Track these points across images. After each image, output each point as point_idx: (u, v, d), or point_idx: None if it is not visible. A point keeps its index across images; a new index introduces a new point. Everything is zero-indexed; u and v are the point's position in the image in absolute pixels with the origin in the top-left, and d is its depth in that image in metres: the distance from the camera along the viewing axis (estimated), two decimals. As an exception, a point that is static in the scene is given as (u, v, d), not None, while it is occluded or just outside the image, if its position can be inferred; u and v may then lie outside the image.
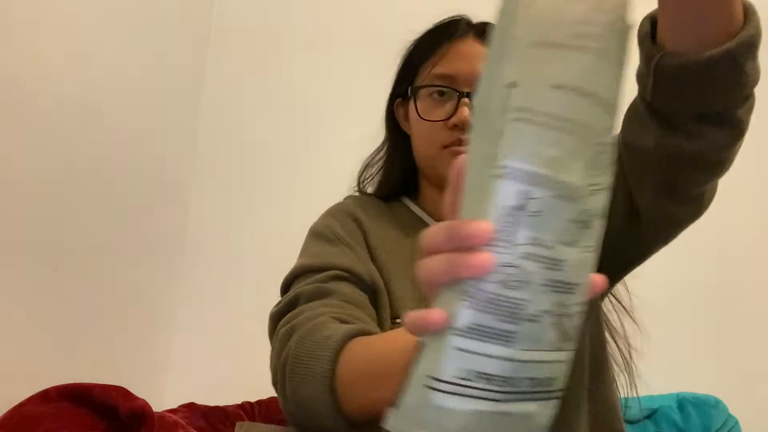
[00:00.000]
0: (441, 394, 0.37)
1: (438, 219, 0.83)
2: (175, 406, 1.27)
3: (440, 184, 0.84)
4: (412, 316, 0.38)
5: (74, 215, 1.20)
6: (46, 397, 0.94)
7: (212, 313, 1.57)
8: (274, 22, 1.74)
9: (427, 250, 0.38)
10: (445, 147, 0.80)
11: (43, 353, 1.12)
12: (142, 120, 1.44)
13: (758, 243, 1.50)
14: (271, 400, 1.37)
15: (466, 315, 0.36)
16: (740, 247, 1.50)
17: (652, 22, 0.58)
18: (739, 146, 0.62)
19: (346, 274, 0.75)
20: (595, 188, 0.38)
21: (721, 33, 0.53)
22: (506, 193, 0.36)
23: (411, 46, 0.88)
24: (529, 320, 0.37)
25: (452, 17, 0.87)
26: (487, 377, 0.36)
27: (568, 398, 0.71)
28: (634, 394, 0.82)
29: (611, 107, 0.39)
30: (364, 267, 0.77)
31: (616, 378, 0.83)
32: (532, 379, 0.38)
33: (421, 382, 0.37)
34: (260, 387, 1.39)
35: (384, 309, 0.76)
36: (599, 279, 0.40)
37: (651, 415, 1.30)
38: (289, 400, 0.62)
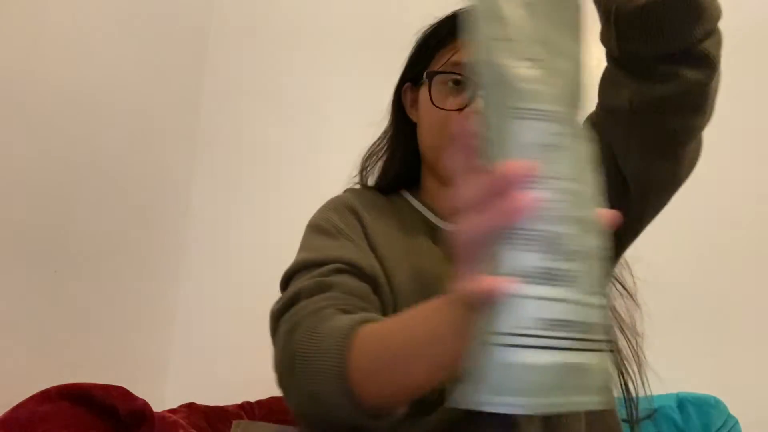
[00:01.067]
0: (521, 350, 0.34)
1: (437, 213, 0.82)
2: (175, 406, 1.27)
3: (444, 177, 0.81)
4: (473, 285, 0.36)
5: (74, 215, 1.20)
6: (46, 397, 0.94)
7: (212, 313, 1.57)
8: (274, 21, 1.74)
9: (466, 208, 0.38)
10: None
11: (43, 353, 1.12)
12: (142, 119, 1.44)
13: (758, 242, 1.50)
14: (271, 400, 1.37)
15: (523, 259, 0.35)
16: (740, 246, 1.50)
17: None
18: (716, 86, 0.62)
19: (347, 267, 0.72)
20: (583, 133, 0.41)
21: None
22: (530, 131, 0.37)
23: (428, 30, 0.84)
24: (581, 258, 0.36)
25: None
26: (560, 324, 0.35)
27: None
28: (644, 387, 0.80)
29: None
30: (365, 259, 0.75)
31: (627, 372, 0.81)
32: (586, 324, 0.36)
33: (497, 341, 0.35)
34: (260, 387, 1.39)
35: (386, 302, 0.74)
36: (608, 213, 0.40)
37: (651, 415, 1.29)
38: (300, 398, 0.60)
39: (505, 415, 0.70)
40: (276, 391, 1.51)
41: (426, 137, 0.82)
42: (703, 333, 1.46)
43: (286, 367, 0.62)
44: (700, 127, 0.67)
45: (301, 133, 1.67)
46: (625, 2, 0.56)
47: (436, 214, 0.83)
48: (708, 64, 0.58)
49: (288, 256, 0.82)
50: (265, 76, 1.70)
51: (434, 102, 0.78)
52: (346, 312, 0.64)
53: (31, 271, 1.09)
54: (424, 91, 0.80)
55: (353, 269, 0.73)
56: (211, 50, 1.73)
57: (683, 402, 1.30)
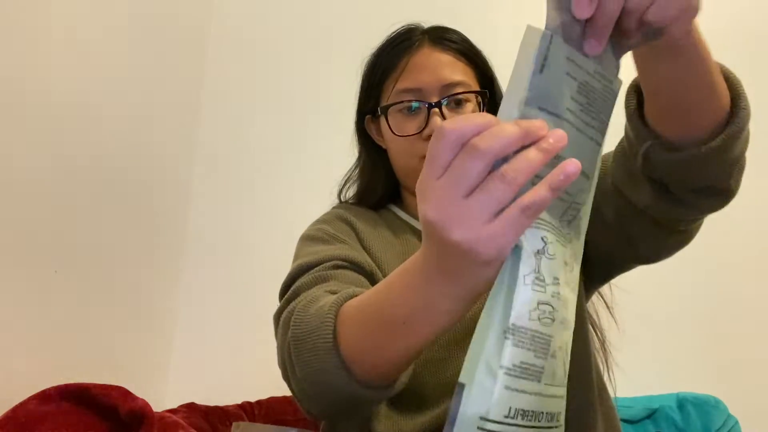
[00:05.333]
0: None
1: None
2: (175, 406, 1.27)
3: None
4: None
5: (74, 215, 1.20)
6: (46, 397, 0.94)
7: (212, 313, 1.57)
8: (274, 22, 1.74)
9: (500, 151, 0.37)
10: (423, 157, 0.81)
11: (43, 353, 1.12)
12: (143, 120, 1.44)
13: (757, 243, 1.50)
14: (271, 400, 1.37)
15: (514, 353, 0.39)
16: (740, 247, 1.50)
17: (637, 93, 0.58)
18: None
19: (344, 263, 0.74)
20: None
21: (707, 123, 0.54)
22: (533, 239, 0.40)
23: (369, 62, 0.89)
24: (552, 356, 0.40)
25: (405, 27, 0.87)
26: (523, 413, 0.39)
27: (585, 402, 0.74)
28: (612, 380, 0.84)
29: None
30: (361, 257, 0.77)
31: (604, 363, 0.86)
32: (548, 413, 0.41)
33: (474, 424, 0.38)
34: (260, 387, 1.39)
35: None
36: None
37: (651, 415, 1.29)
38: (302, 380, 0.60)
39: None
40: (276, 391, 1.52)
41: (397, 161, 0.86)
42: (704, 333, 1.46)
43: (285, 355, 0.63)
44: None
45: (301, 133, 1.67)
46: (658, 149, 0.56)
47: None
48: (729, 194, 0.60)
49: (287, 255, 0.83)
50: (264, 76, 1.70)
51: (395, 132, 0.83)
52: (335, 293, 0.65)
53: (31, 271, 1.09)
54: (383, 123, 0.85)
55: (351, 264, 0.74)
56: (211, 51, 1.73)
57: (683, 402, 1.30)
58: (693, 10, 0.45)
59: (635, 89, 0.58)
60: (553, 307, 0.40)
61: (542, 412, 0.40)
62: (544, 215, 0.41)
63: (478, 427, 0.38)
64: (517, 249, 0.40)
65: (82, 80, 1.23)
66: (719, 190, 0.59)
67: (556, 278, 0.41)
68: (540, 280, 0.40)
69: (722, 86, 0.53)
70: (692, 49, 0.50)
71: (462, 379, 0.39)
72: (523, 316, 0.39)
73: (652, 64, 0.52)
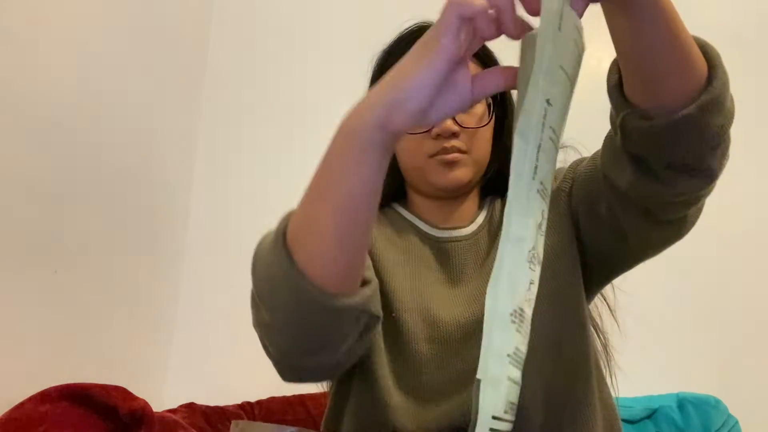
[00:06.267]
0: None
1: (429, 222, 0.86)
2: (175, 406, 1.27)
3: (429, 192, 0.85)
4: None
5: (74, 215, 1.20)
6: (46, 397, 0.94)
7: (212, 313, 1.57)
8: (274, 22, 1.74)
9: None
10: (432, 156, 0.81)
11: (43, 353, 1.12)
12: (142, 120, 1.44)
13: (758, 243, 1.50)
14: (271, 400, 1.37)
15: (515, 339, 0.36)
16: (740, 246, 1.50)
17: (619, 69, 0.58)
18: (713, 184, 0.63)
19: None
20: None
21: (680, 92, 0.54)
22: (536, 211, 0.40)
23: (380, 58, 0.88)
24: (529, 340, 0.39)
25: (417, 25, 0.87)
26: (510, 406, 0.37)
27: (585, 403, 0.74)
28: (614, 382, 0.84)
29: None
30: None
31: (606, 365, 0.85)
32: (513, 404, 0.38)
33: (487, 424, 0.36)
34: (260, 387, 1.39)
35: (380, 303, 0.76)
36: None
37: (651, 415, 1.29)
38: (257, 295, 0.60)
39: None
40: (276, 391, 1.52)
41: (405, 160, 0.85)
42: (703, 333, 1.47)
43: (253, 287, 0.63)
44: (699, 205, 0.68)
45: (301, 133, 1.67)
46: (632, 118, 0.56)
47: (426, 223, 0.86)
48: (710, 175, 0.59)
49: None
50: (265, 76, 1.70)
51: None
52: None
53: (31, 271, 1.09)
54: None
55: None
56: (212, 50, 1.73)
57: (683, 402, 1.30)
58: None
59: (617, 65, 0.59)
60: (534, 288, 0.39)
61: (514, 404, 0.38)
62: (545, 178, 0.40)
63: (490, 428, 0.36)
64: (525, 220, 0.38)
65: (82, 80, 1.23)
66: (698, 168, 0.58)
67: (540, 258, 0.40)
68: (534, 258, 0.38)
69: (696, 56, 0.53)
70: (655, 8, 0.50)
71: (478, 374, 0.36)
72: (521, 296, 0.37)
73: (616, 21, 0.53)
